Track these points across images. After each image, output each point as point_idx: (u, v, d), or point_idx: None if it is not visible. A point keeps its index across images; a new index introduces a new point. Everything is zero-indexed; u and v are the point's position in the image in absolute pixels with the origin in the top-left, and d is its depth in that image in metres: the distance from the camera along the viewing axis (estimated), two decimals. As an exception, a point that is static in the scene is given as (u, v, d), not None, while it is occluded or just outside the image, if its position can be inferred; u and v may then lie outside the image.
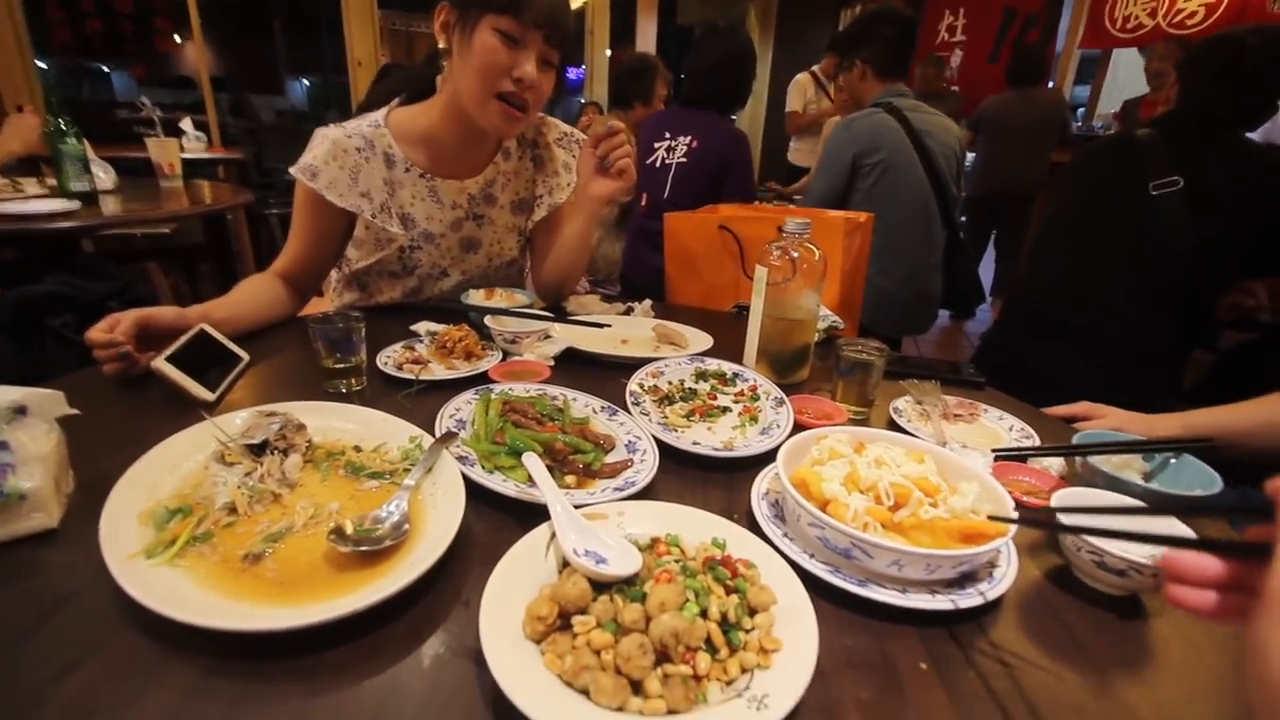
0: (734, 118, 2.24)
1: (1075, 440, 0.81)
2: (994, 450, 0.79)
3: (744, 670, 0.44)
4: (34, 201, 1.86)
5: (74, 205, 1.87)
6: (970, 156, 3.85)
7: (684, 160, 2.11)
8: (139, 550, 0.51)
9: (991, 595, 0.54)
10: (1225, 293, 1.43)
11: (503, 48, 0.99)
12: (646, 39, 5.82)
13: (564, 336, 1.05)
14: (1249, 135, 1.39)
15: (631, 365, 0.96)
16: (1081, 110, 5.37)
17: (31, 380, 0.62)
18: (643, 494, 0.65)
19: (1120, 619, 0.56)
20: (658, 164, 2.16)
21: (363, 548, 0.53)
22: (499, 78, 1.01)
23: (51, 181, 2.09)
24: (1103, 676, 0.49)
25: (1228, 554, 0.31)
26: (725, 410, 0.89)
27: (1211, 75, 1.38)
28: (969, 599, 0.53)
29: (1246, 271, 1.40)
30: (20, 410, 0.56)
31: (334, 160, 1.08)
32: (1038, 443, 0.85)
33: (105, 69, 6.13)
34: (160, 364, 0.79)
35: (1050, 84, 4.31)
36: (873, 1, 5.18)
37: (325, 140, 1.08)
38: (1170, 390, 1.45)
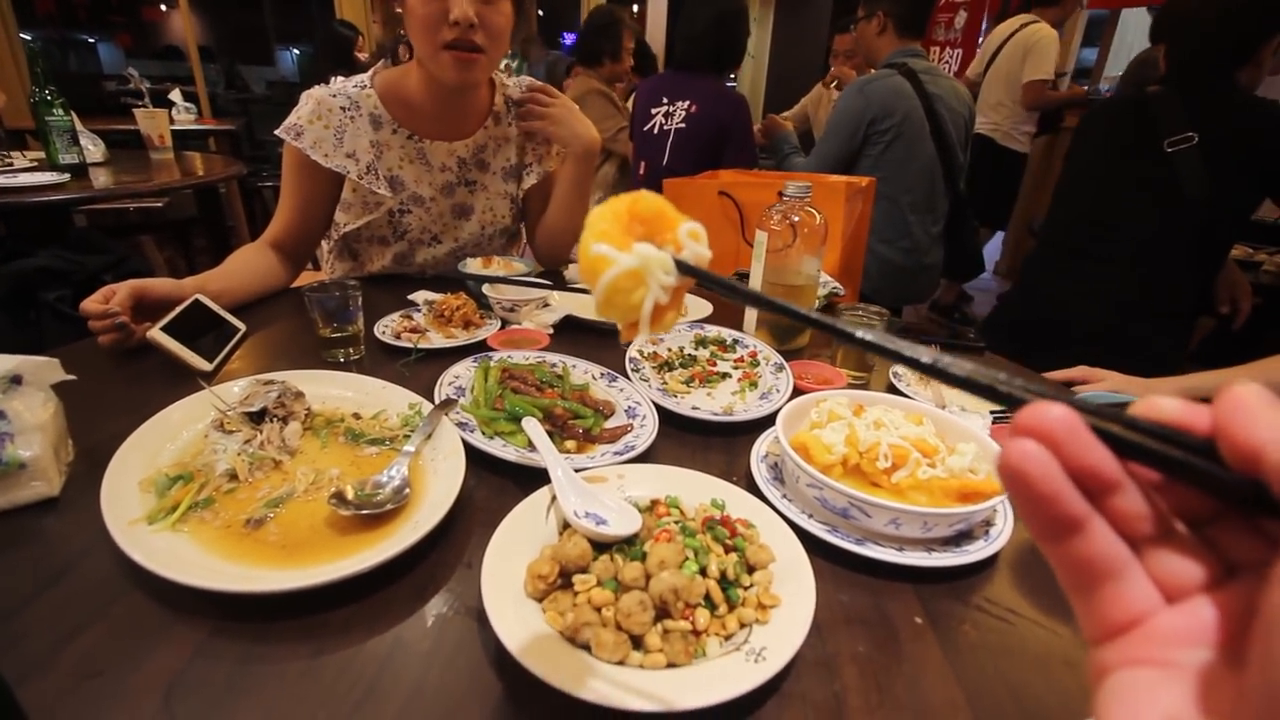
0: (733, 82, 2.19)
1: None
2: (991, 412, 0.79)
3: (742, 625, 0.45)
4: (23, 174, 1.84)
5: (64, 178, 1.84)
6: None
7: (683, 126, 2.07)
8: (141, 516, 0.51)
9: (987, 552, 0.54)
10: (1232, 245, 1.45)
11: None
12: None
13: (563, 304, 1.04)
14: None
15: (630, 332, 0.95)
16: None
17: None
18: (642, 458, 0.66)
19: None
20: (655, 130, 2.12)
21: (364, 511, 0.53)
22: (437, 27, 0.97)
23: (39, 154, 2.06)
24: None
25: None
26: (725, 376, 0.89)
27: (1190, 24, 1.38)
28: (965, 556, 0.54)
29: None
30: (15, 379, 0.56)
31: (319, 119, 1.06)
32: (1036, 405, 0.85)
33: (91, 40, 5.98)
34: (156, 334, 0.78)
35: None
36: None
37: (310, 100, 1.07)
38: (1178, 348, 1.46)
